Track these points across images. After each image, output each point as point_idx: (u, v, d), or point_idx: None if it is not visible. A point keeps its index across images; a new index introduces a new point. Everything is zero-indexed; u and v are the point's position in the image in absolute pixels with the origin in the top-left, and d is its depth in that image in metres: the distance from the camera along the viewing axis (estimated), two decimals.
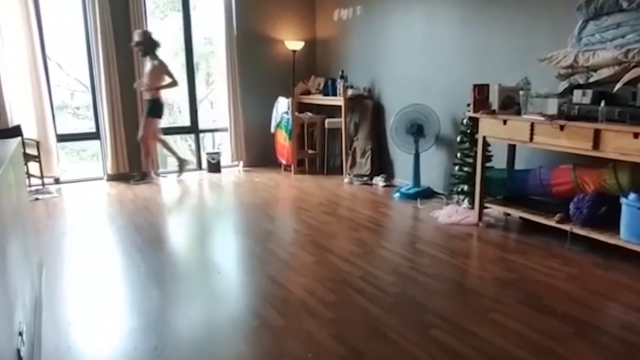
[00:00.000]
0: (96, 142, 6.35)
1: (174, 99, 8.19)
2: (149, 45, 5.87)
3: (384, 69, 5.96)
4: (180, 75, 6.74)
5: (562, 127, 3.36)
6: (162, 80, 5.97)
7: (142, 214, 4.77)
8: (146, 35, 5.86)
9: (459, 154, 4.65)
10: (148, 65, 5.94)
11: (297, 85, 6.82)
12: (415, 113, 5.16)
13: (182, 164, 6.41)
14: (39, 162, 5.62)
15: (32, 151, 5.55)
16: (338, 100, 6.16)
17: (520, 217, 4.11)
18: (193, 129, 6.95)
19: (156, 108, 6.06)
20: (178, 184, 6.21)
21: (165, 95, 6.27)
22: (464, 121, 4.55)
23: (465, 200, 4.62)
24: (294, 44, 6.82)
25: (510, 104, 3.84)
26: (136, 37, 5.85)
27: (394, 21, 5.68)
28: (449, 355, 2.29)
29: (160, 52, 6.03)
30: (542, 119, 3.48)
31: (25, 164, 5.14)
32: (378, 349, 2.36)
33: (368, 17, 6.10)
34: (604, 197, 3.46)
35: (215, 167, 6.82)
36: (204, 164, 6.92)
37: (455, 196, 4.79)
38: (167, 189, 5.95)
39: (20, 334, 1.85)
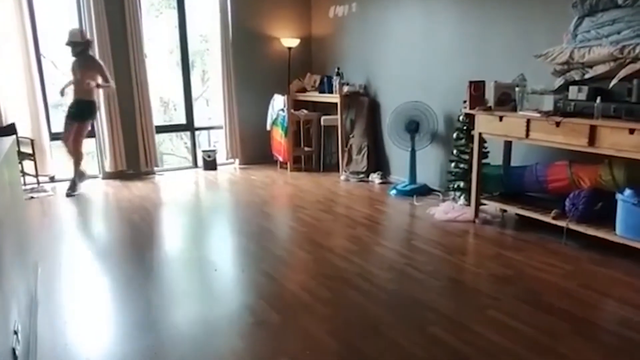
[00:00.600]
0: (91, 140, 6.32)
1: (170, 97, 8.17)
2: (87, 45, 5.55)
3: (379, 66, 5.95)
4: (176, 72, 6.74)
5: (557, 124, 3.36)
6: (97, 80, 5.56)
7: (139, 212, 4.76)
8: (83, 34, 5.54)
9: (455, 151, 4.66)
10: (81, 65, 5.51)
11: (293, 83, 6.81)
12: (413, 110, 5.15)
13: (79, 176, 5.68)
14: (34, 160, 5.59)
15: (26, 149, 5.52)
16: (334, 98, 6.15)
17: (517, 214, 4.11)
18: (189, 126, 6.94)
19: (93, 110, 5.69)
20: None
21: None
22: (460, 118, 4.55)
23: (462, 197, 4.62)
24: (290, 41, 6.80)
25: (506, 100, 3.84)
26: (73, 36, 5.47)
27: (390, 18, 5.67)
28: (445, 352, 2.29)
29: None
30: (538, 115, 3.48)
31: (20, 163, 5.11)
32: (375, 345, 2.36)
33: (364, 14, 6.09)
34: (599, 193, 3.47)
35: (211, 165, 6.81)
36: (200, 162, 6.91)
37: (452, 193, 4.79)
38: (164, 188, 5.94)
39: (16, 332, 1.84)
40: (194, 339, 2.48)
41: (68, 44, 5.47)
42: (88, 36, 5.63)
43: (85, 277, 3.33)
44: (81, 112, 5.56)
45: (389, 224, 4.46)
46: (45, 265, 3.44)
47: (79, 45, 5.48)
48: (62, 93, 5.64)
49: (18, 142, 5.27)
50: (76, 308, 2.85)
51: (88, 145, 6.53)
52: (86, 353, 2.37)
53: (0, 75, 5.50)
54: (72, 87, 5.57)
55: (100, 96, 6.00)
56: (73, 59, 5.53)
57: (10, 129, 5.37)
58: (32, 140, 5.61)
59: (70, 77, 5.58)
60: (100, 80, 5.55)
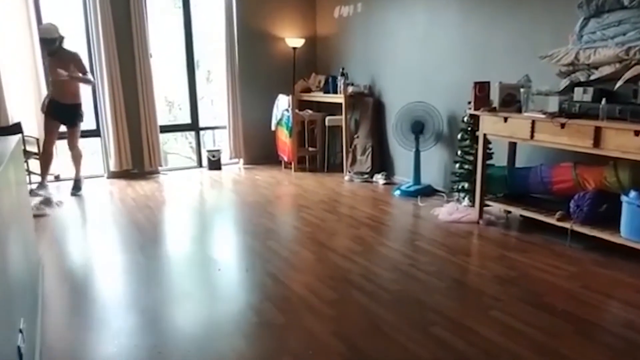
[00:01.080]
0: (96, 140, 6.35)
1: (175, 97, 8.18)
2: (61, 40, 5.14)
3: (384, 66, 5.95)
4: (181, 72, 6.76)
5: (562, 125, 3.36)
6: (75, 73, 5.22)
7: (143, 212, 4.77)
8: (57, 29, 5.09)
9: (459, 152, 4.65)
10: (59, 60, 5.11)
11: (298, 83, 6.81)
12: (418, 110, 5.15)
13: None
14: (39, 159, 5.61)
15: (32, 148, 5.55)
16: (338, 98, 6.15)
17: (521, 215, 4.10)
18: (193, 126, 6.96)
19: (81, 113, 5.44)
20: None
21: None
22: (465, 119, 4.55)
23: (466, 198, 4.61)
24: (295, 41, 6.81)
25: (511, 101, 3.83)
26: (49, 32, 5.05)
27: (395, 18, 5.67)
28: (449, 353, 2.29)
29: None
30: (543, 116, 3.47)
31: (26, 161, 5.13)
32: (378, 346, 2.36)
33: (369, 14, 6.08)
34: (604, 195, 3.46)
35: (215, 165, 6.82)
36: (205, 162, 6.93)
37: (456, 194, 4.78)
38: (169, 187, 5.95)
39: (21, 331, 1.85)
40: (198, 338, 2.48)
41: (44, 40, 5.11)
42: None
43: (90, 276, 3.35)
44: (70, 117, 5.35)
45: (392, 224, 4.46)
46: (49, 263, 3.46)
47: (55, 42, 5.10)
48: (44, 109, 5.34)
49: (24, 141, 5.30)
50: (80, 306, 2.86)
51: (93, 145, 6.56)
52: (90, 351, 2.39)
53: (7, 74, 5.52)
54: (52, 88, 5.30)
55: (105, 96, 6.03)
56: (48, 58, 5.23)
57: (16, 128, 5.40)
58: (37, 139, 5.63)
59: (43, 84, 5.38)
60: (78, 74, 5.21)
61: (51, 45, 5.08)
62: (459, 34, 4.89)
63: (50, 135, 5.35)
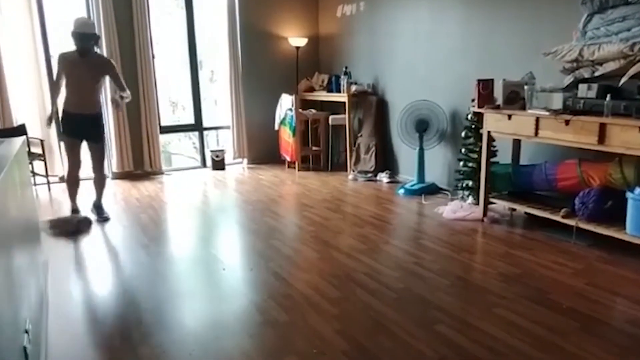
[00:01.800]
0: None
1: (178, 97, 8.19)
2: (97, 40, 4.35)
3: (387, 65, 5.94)
4: (184, 72, 6.77)
5: (567, 122, 3.34)
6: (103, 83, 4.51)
7: (147, 212, 4.79)
8: (94, 26, 4.41)
9: (463, 150, 4.64)
10: (91, 65, 4.29)
11: (301, 82, 6.82)
12: (423, 109, 5.13)
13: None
14: (44, 160, 5.63)
15: (36, 150, 5.57)
16: (342, 97, 6.15)
17: (525, 213, 4.09)
18: (197, 126, 6.97)
19: (103, 124, 4.58)
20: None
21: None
22: (469, 116, 4.54)
23: (470, 196, 4.60)
24: (298, 41, 6.81)
25: (515, 98, 3.82)
26: (86, 27, 4.22)
27: (398, 17, 5.66)
28: (453, 351, 2.28)
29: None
30: (547, 113, 3.46)
31: (30, 163, 5.15)
32: (382, 344, 2.36)
33: (372, 13, 6.08)
34: (609, 191, 3.45)
35: (219, 165, 6.83)
36: (208, 162, 6.94)
37: (460, 192, 4.77)
38: (173, 188, 5.96)
39: (27, 331, 1.86)
40: (203, 337, 2.49)
41: (82, 36, 4.17)
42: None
43: (95, 276, 3.35)
44: (95, 130, 4.43)
45: (397, 223, 4.45)
46: (55, 264, 3.47)
47: (93, 39, 4.27)
48: (50, 121, 4.44)
49: (28, 143, 5.33)
50: (86, 306, 2.87)
51: None
52: (96, 350, 2.39)
53: (11, 76, 5.55)
54: (72, 97, 4.34)
55: (107, 97, 6.03)
56: (76, 57, 4.25)
57: (21, 130, 5.42)
58: (42, 141, 5.65)
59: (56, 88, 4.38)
60: (112, 87, 4.51)
61: (88, 43, 4.20)
62: (462, 32, 4.88)
63: (76, 157, 4.45)
